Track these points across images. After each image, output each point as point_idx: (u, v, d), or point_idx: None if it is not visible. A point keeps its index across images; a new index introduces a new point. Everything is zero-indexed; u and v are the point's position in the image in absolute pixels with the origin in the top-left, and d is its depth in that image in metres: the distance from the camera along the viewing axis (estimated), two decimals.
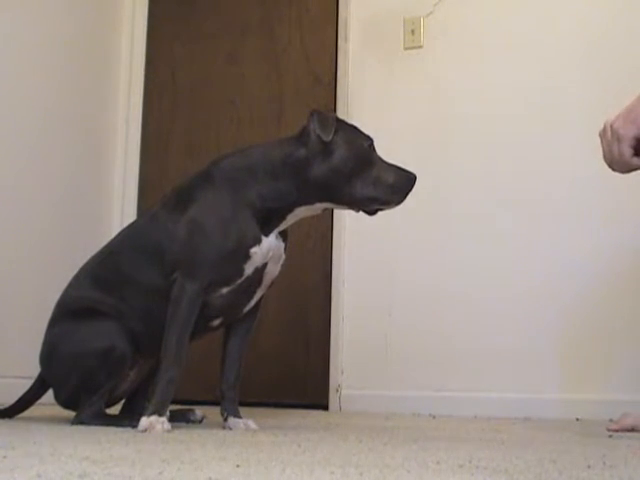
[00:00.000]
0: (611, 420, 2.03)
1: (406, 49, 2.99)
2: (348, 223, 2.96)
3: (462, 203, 2.83)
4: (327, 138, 1.74)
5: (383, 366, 2.84)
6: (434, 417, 2.57)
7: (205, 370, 2.81)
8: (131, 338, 1.84)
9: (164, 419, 1.67)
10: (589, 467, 1.10)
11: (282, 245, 1.86)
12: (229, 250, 1.75)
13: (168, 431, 1.64)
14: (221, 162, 1.85)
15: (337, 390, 2.90)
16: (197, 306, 1.75)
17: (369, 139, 1.82)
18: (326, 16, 3.18)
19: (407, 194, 1.79)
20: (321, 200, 1.81)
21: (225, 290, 1.80)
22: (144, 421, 1.65)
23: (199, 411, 2.07)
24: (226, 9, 3.37)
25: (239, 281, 1.79)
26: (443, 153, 2.88)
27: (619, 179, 1.76)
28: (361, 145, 1.79)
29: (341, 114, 3.04)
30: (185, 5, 3.45)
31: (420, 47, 2.97)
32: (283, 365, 3.03)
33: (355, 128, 1.85)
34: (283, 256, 1.88)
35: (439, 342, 2.78)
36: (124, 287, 1.86)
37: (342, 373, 2.90)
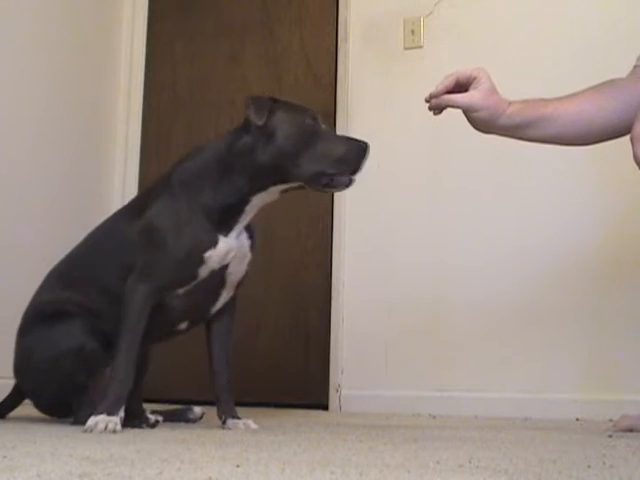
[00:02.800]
0: (611, 420, 2.03)
1: (406, 49, 2.99)
2: (348, 223, 2.96)
3: (463, 203, 2.83)
4: (260, 122, 1.73)
5: (383, 366, 2.83)
6: (434, 417, 2.57)
7: (204, 370, 2.80)
8: (102, 336, 1.83)
9: (116, 419, 1.65)
10: (589, 467, 1.10)
11: (247, 243, 1.84)
12: (182, 255, 1.75)
13: (117, 432, 1.61)
14: (178, 166, 1.87)
15: (337, 390, 2.90)
16: (147, 307, 1.75)
17: (313, 115, 1.79)
18: (326, 16, 3.18)
19: (359, 164, 1.74)
20: (274, 183, 1.79)
21: (181, 291, 1.79)
22: (91, 420, 1.64)
23: (198, 408, 2.07)
24: (226, 9, 3.37)
25: (194, 283, 1.79)
26: (443, 153, 2.88)
27: None
28: (302, 121, 1.77)
29: (341, 114, 3.04)
30: (185, 5, 3.45)
31: (420, 47, 2.97)
32: (283, 365, 3.02)
33: (298, 106, 1.83)
34: (249, 255, 1.86)
35: (439, 342, 2.78)
36: (91, 288, 1.87)
37: (342, 373, 2.90)
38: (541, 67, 2.78)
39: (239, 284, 1.88)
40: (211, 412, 2.04)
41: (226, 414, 1.86)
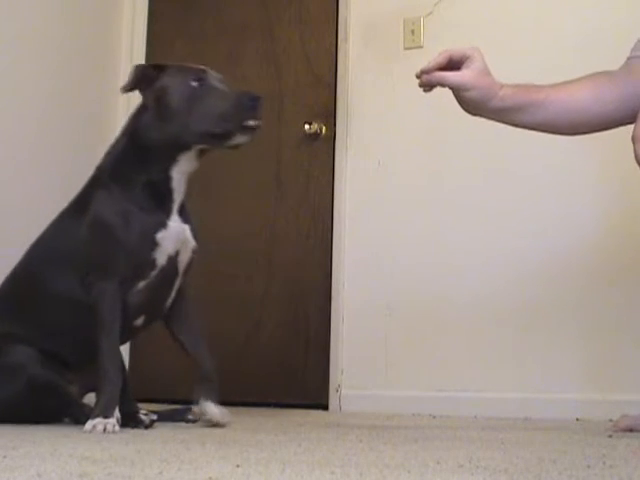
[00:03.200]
0: (611, 420, 2.03)
1: (406, 49, 2.99)
2: (348, 223, 2.96)
3: (464, 203, 2.82)
4: (123, 91, 1.77)
5: (383, 366, 2.83)
6: (434, 417, 2.57)
7: None
8: (49, 359, 1.81)
9: (113, 420, 1.65)
10: (589, 467, 1.10)
11: (186, 227, 1.83)
12: (134, 240, 1.74)
13: (115, 432, 1.62)
14: (102, 163, 1.89)
15: (337, 390, 2.90)
16: (118, 303, 1.74)
17: (199, 75, 1.76)
18: (326, 16, 3.17)
19: (250, 114, 1.70)
20: (181, 150, 1.77)
21: (141, 284, 1.79)
22: (88, 425, 1.64)
23: (197, 408, 2.06)
24: (226, 9, 3.37)
25: (154, 273, 1.78)
26: (443, 153, 2.88)
27: None
28: (185, 83, 1.74)
29: (341, 114, 3.04)
30: (185, 5, 3.45)
31: (420, 47, 2.97)
32: (283, 365, 3.02)
33: (184, 68, 1.79)
34: (191, 241, 1.85)
35: (439, 342, 2.78)
36: (38, 309, 1.84)
37: (342, 373, 2.90)
38: (542, 67, 2.78)
39: (186, 272, 1.87)
40: None
41: (204, 396, 1.83)
